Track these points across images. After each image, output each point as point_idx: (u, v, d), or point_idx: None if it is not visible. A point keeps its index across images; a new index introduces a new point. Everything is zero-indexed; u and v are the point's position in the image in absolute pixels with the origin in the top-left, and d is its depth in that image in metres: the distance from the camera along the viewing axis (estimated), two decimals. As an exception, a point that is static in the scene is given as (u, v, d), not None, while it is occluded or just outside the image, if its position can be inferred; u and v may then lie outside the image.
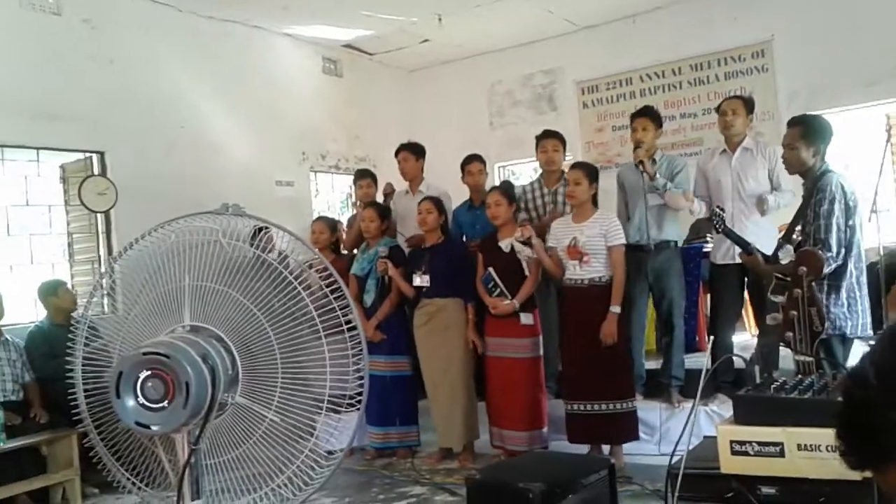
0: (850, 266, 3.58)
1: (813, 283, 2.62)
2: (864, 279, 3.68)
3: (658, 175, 4.92)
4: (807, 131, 3.77)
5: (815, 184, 3.65)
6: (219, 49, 7.44)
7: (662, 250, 5.09)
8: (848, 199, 3.54)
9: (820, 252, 3.19)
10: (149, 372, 2.26)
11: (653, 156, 5.06)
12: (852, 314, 3.58)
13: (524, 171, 9.24)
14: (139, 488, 2.70)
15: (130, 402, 2.29)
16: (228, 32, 7.56)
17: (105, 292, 3.25)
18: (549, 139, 5.51)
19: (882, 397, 0.83)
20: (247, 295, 2.47)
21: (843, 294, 3.57)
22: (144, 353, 2.28)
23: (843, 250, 3.48)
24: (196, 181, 6.70)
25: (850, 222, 3.54)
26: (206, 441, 2.45)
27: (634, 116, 5.19)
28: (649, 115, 5.18)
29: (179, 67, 7.06)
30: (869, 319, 3.65)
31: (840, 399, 0.91)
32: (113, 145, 6.49)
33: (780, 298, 2.65)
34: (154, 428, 2.30)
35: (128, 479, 2.71)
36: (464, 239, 5.83)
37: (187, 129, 7.04)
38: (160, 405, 2.26)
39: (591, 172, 4.82)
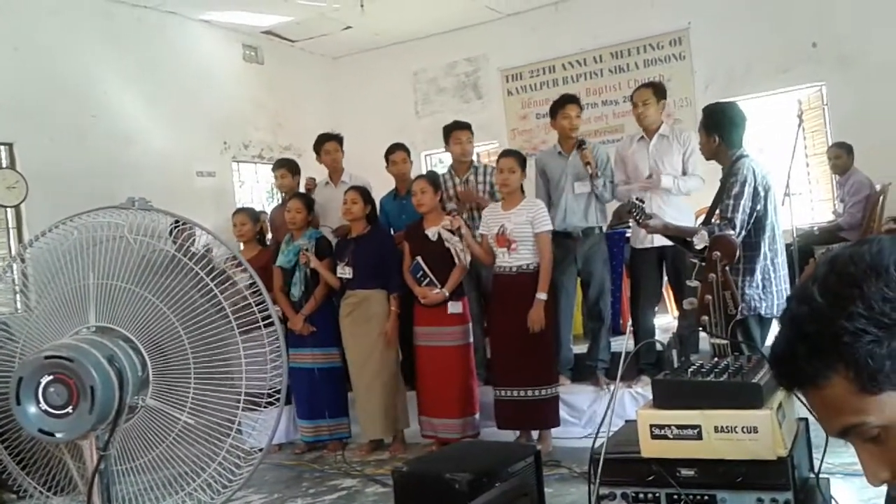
0: (764, 248, 3.69)
1: (727, 268, 2.67)
2: (780, 261, 3.79)
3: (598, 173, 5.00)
4: (705, 120, 3.91)
5: (730, 168, 3.75)
6: (131, 35, 7.18)
7: (589, 236, 5.15)
8: (758, 183, 3.64)
9: (732, 236, 3.26)
10: (51, 377, 2.14)
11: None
12: (767, 295, 3.69)
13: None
14: (47, 497, 2.58)
15: (32, 409, 2.17)
16: (141, 18, 7.30)
17: (17, 287, 3.08)
18: (463, 130, 5.52)
19: (829, 310, 0.88)
20: (157, 293, 2.37)
21: (758, 275, 3.67)
22: (46, 357, 2.17)
23: (744, 231, 3.58)
24: (111, 173, 6.48)
25: (760, 206, 3.64)
26: (117, 446, 2.34)
27: (565, 103, 5.13)
28: (578, 102, 5.21)
29: (90, 54, 6.78)
30: (784, 300, 3.76)
31: (782, 321, 0.95)
32: (21, 136, 6.21)
33: (696, 283, 2.70)
34: (59, 435, 2.19)
35: (35, 487, 2.58)
36: (390, 229, 5.78)
37: (99, 118, 6.79)
38: (64, 411, 2.15)
39: (522, 160, 4.85)
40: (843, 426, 0.91)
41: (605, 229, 5.36)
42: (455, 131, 5.53)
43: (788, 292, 3.78)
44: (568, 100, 5.19)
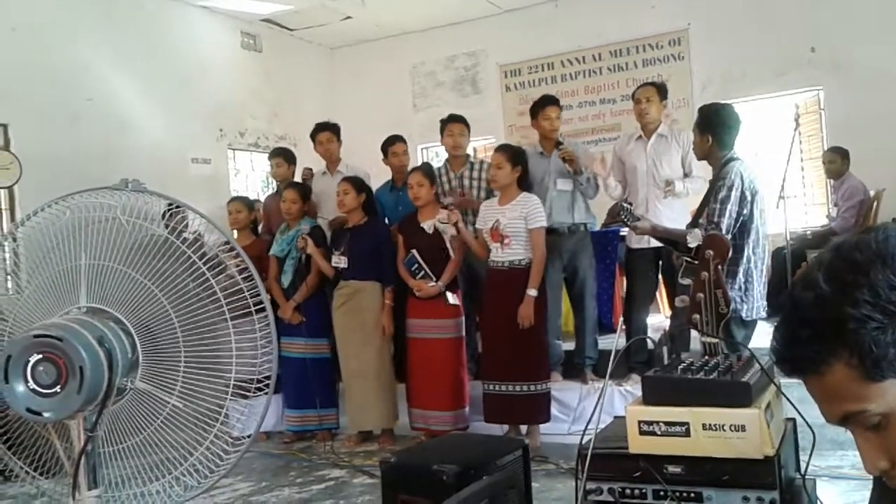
0: (748, 252, 3.71)
1: (719, 266, 2.67)
2: (762, 265, 3.81)
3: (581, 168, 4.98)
4: (700, 120, 3.91)
5: (719, 171, 3.76)
6: (129, 19, 7.14)
7: (574, 233, 5.16)
8: (745, 187, 3.66)
9: (727, 236, 3.27)
10: (40, 356, 2.13)
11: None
12: (748, 297, 3.72)
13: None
14: (33, 477, 2.57)
15: (20, 388, 2.16)
16: (140, 2, 7.27)
17: (8, 268, 3.06)
18: (456, 123, 5.49)
19: (834, 296, 0.88)
20: (148, 276, 2.36)
21: (740, 278, 3.70)
22: (35, 336, 2.16)
23: (729, 235, 3.60)
24: (105, 156, 6.45)
25: (746, 210, 3.66)
26: (104, 428, 2.34)
27: (545, 104, 5.10)
28: (558, 103, 5.19)
29: (87, 37, 6.74)
30: (764, 303, 3.80)
31: (785, 306, 0.94)
32: (16, 117, 6.17)
33: (688, 281, 2.70)
34: (46, 415, 2.18)
35: (21, 467, 2.57)
36: (385, 220, 5.77)
37: (95, 101, 6.75)
38: (52, 391, 2.14)
39: (513, 156, 4.80)
40: (844, 413, 0.91)
41: (590, 227, 5.36)
42: (449, 124, 5.51)
43: (764, 296, 3.81)
44: (548, 101, 5.17)
